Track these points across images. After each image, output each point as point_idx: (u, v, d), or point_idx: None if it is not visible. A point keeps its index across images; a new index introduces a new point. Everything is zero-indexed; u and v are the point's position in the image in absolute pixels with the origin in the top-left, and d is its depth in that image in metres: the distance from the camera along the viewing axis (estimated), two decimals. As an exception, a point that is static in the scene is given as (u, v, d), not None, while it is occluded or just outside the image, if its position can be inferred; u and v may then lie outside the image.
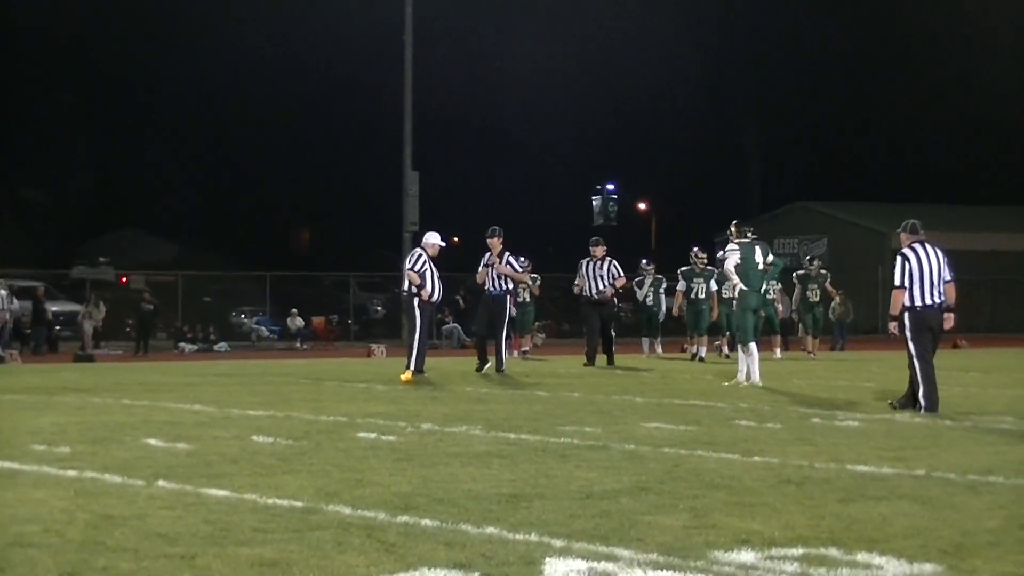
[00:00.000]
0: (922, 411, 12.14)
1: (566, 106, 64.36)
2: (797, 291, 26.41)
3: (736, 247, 16.36)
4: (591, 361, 20.94)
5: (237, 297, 44.15)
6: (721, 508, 6.73)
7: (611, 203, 38.88)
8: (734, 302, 17.49)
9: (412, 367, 17.29)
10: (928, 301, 12.37)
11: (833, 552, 5.68)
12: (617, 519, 6.42)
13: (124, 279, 43.53)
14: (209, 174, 65.13)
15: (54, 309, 34.66)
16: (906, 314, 12.43)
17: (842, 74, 68.02)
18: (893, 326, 12.61)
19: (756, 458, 8.68)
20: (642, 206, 62.74)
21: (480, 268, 19.43)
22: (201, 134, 64.91)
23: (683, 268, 24.71)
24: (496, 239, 19.27)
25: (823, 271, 27.14)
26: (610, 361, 21.09)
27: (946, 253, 12.77)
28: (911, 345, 12.44)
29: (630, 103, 68.05)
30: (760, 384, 15.86)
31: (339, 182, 67.71)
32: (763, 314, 22.58)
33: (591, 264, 21.35)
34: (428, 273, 17.64)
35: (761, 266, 16.46)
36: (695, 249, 24.68)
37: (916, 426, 11.08)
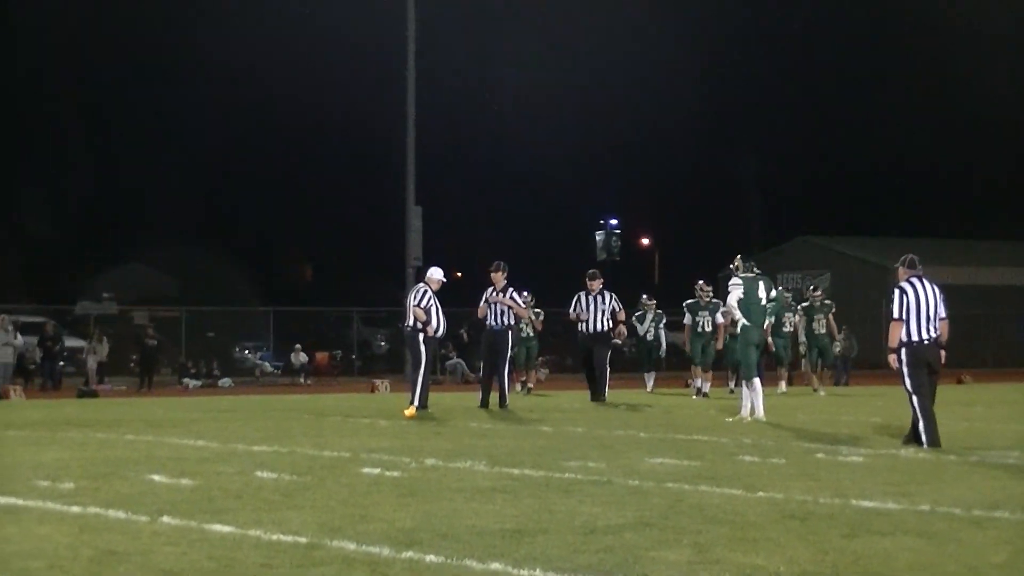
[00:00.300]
0: (925, 446, 12.13)
1: (569, 142, 64.64)
2: (803, 324, 26.32)
3: (739, 282, 16.37)
4: (594, 396, 20.87)
5: (240, 332, 44.15)
6: (724, 543, 6.73)
7: (614, 238, 38.80)
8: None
9: (415, 403, 17.30)
10: (924, 336, 12.39)
11: (837, 587, 5.68)
12: (620, 554, 6.41)
13: (134, 317, 43.44)
14: (211, 206, 65.33)
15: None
16: (903, 349, 12.45)
17: (844, 106, 68.25)
18: (892, 359, 12.62)
19: (760, 493, 8.67)
20: (645, 241, 62.85)
21: (482, 303, 19.43)
22: (202, 166, 65.16)
23: (688, 301, 24.69)
24: (500, 273, 19.30)
25: (827, 301, 27.08)
26: (598, 397, 20.87)
27: (946, 289, 12.79)
28: (907, 380, 12.44)
29: (632, 139, 68.38)
30: (764, 419, 15.84)
31: (342, 217, 67.98)
32: (772, 348, 22.69)
33: (589, 297, 21.17)
34: (433, 308, 17.68)
35: (764, 301, 16.47)
36: (700, 282, 24.63)
37: (920, 461, 11.07)
